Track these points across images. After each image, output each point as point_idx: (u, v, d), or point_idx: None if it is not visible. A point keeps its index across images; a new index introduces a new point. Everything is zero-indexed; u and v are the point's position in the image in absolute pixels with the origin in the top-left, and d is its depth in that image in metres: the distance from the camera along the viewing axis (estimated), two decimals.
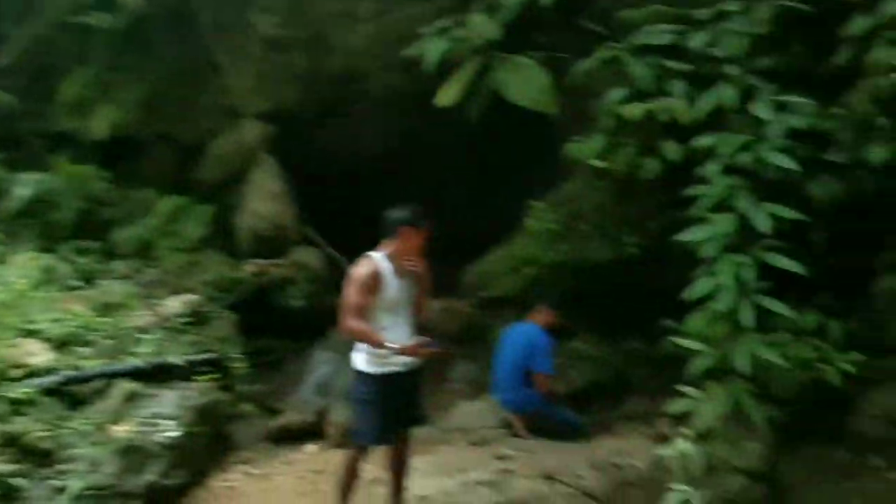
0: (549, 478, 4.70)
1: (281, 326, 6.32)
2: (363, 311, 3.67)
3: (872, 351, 5.57)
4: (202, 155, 7.14)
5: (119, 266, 6.05)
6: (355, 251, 6.74)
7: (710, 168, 4.32)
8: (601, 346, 6.41)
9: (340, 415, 5.54)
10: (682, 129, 5.89)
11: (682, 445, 3.25)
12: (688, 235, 4.09)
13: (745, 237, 4.03)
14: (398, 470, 4.13)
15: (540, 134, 8.57)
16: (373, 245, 6.39)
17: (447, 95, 5.72)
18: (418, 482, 4.63)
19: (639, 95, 6.07)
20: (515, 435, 5.37)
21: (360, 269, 3.73)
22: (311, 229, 6.62)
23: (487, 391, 6.41)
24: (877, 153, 4.93)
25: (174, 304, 5.36)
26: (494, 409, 5.65)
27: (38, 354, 4.37)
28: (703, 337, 3.59)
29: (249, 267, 6.31)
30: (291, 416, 5.35)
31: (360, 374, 3.80)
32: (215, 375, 4.90)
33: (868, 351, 5.49)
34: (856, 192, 5.14)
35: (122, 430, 4.17)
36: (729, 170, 4.60)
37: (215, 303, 5.67)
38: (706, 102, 5.35)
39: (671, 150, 5.90)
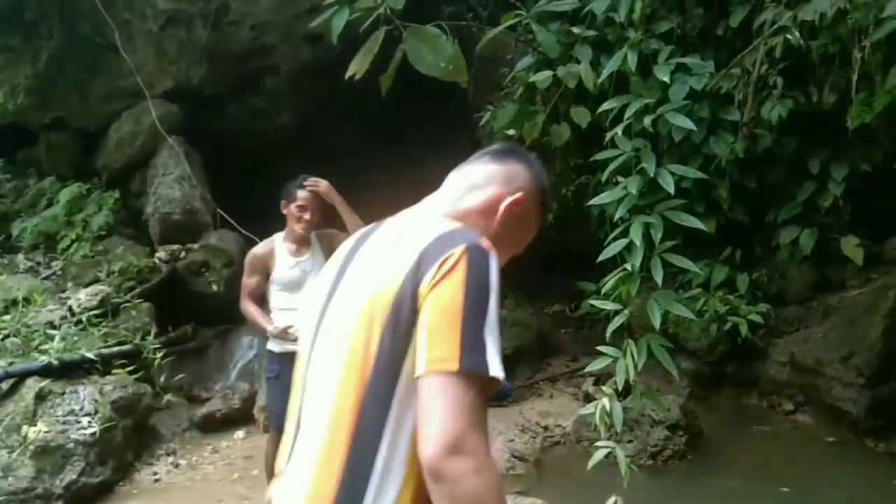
0: None
1: (198, 313, 6.15)
2: (251, 291, 3.72)
3: (776, 301, 5.90)
4: (103, 140, 6.80)
5: (21, 260, 5.72)
6: (270, 231, 6.69)
7: (616, 133, 4.43)
8: (524, 310, 6.54)
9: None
10: (589, 95, 6.03)
11: (603, 402, 3.35)
12: (598, 199, 4.19)
13: (651, 198, 4.16)
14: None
15: (451, 105, 8.61)
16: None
17: (356, 67, 5.60)
18: None
19: (547, 62, 6.17)
20: None
21: (253, 249, 3.81)
22: (220, 211, 6.42)
23: None
24: (773, 111, 5.17)
25: (83, 297, 5.13)
26: None
27: None
28: (618, 297, 3.70)
29: (161, 254, 6.08)
30: (217, 404, 5.24)
31: (268, 353, 3.83)
32: (133, 367, 4.73)
33: (772, 301, 5.82)
34: (754, 150, 5.39)
35: (36, 431, 3.98)
36: (634, 133, 4.74)
37: (127, 293, 5.44)
38: (610, 67, 5.47)
39: (580, 115, 6.02)
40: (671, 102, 5.18)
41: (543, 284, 6.87)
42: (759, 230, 6.07)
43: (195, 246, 6.28)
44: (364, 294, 1.23)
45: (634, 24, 5.18)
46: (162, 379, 5.01)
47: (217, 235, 6.41)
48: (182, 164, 6.56)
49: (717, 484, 4.44)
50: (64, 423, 4.14)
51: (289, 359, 3.60)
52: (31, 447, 3.93)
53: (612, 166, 4.09)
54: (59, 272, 5.63)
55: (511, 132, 6.47)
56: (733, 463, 4.73)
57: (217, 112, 7.33)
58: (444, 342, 1.12)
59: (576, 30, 5.94)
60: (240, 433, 5.11)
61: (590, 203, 4.36)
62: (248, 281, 3.74)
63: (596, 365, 3.65)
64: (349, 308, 1.25)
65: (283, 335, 3.56)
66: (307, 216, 3.71)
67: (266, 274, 3.73)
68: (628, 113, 4.66)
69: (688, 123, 4.69)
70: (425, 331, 1.15)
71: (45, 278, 5.52)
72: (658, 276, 3.67)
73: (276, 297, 3.74)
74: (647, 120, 4.71)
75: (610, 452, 3.29)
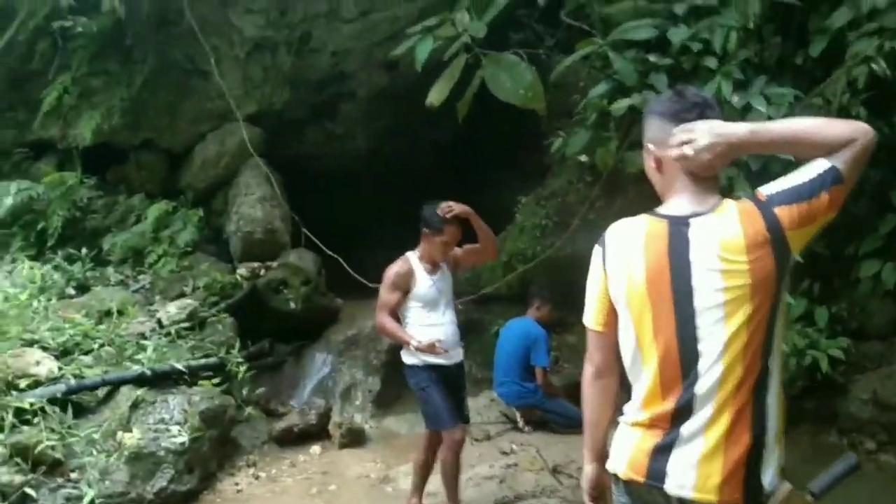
0: (555, 471, 4.78)
1: (276, 329, 6.32)
2: (392, 309, 3.80)
3: (857, 336, 5.74)
4: (189, 160, 7.10)
5: (111, 273, 5.99)
6: (347, 249, 6.84)
7: None
8: None
9: (343, 415, 5.59)
10: None
11: None
12: None
13: None
14: (429, 463, 4.15)
15: (522, 130, 8.69)
16: (361, 243, 6.43)
17: (436, 95, 5.74)
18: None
19: (621, 89, 6.20)
20: (517, 429, 5.44)
21: (392, 268, 3.85)
22: (305, 230, 6.62)
23: (486, 387, 6.49)
24: None
25: (172, 310, 5.33)
26: (496, 403, 5.72)
27: (42, 364, 4.32)
28: None
29: (242, 270, 6.29)
30: (294, 419, 5.35)
31: (407, 367, 3.91)
32: (218, 379, 4.89)
33: (852, 336, 5.67)
34: None
35: (130, 438, 4.15)
36: None
37: (211, 307, 5.63)
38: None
39: None
40: None
41: None
42: (838, 263, 5.94)
43: (274, 264, 6.47)
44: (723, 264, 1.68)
45: (728, 53, 5.16)
46: (244, 392, 5.16)
47: (296, 254, 6.59)
48: (264, 184, 6.79)
49: None
50: (155, 430, 4.30)
51: (434, 368, 3.78)
52: (126, 453, 4.09)
53: None
54: (148, 286, 5.87)
55: (583, 158, 6.52)
56: None
57: (295, 135, 7.58)
58: None
59: (651, 58, 5.96)
60: (316, 448, 5.21)
61: None
62: (389, 297, 3.81)
63: None
64: (717, 273, 1.70)
65: (431, 350, 3.65)
66: (451, 250, 3.89)
67: (406, 291, 3.82)
68: None
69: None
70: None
71: (134, 291, 5.75)
72: None
73: (414, 313, 3.85)
74: None
75: None
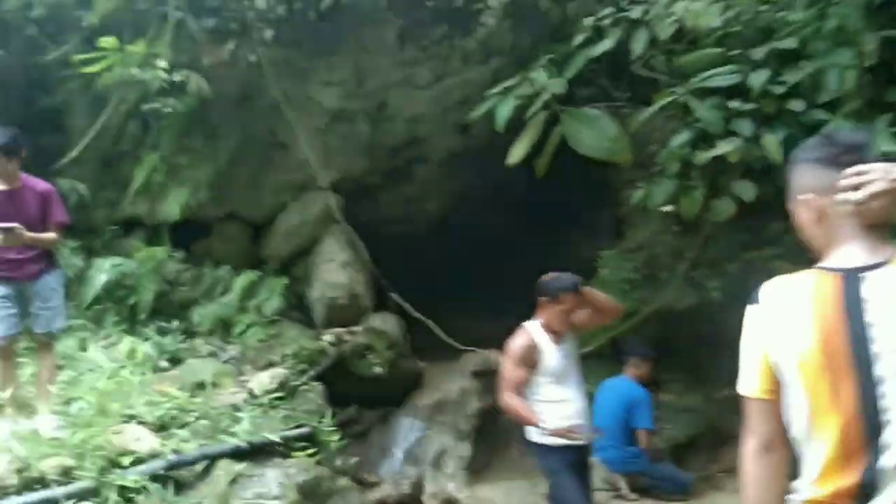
0: None
1: (361, 395, 6.26)
2: (519, 386, 3.59)
3: None
4: (271, 230, 7.22)
5: (201, 344, 6.05)
6: (425, 311, 6.78)
7: None
8: (691, 397, 6.23)
9: (435, 484, 5.43)
10: (752, 170, 5.84)
11: None
12: None
13: None
14: None
15: (592, 186, 8.60)
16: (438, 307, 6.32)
17: (518, 152, 5.73)
18: None
19: (703, 138, 6.05)
20: (621, 496, 5.18)
21: (516, 342, 3.66)
22: (394, 293, 6.61)
23: None
24: None
25: (263, 379, 5.33)
26: (597, 470, 5.46)
27: (142, 439, 4.33)
28: None
29: (327, 337, 6.28)
30: (387, 489, 5.24)
31: (534, 446, 3.66)
32: (312, 450, 4.81)
33: None
34: None
35: None
36: None
37: (299, 375, 5.61)
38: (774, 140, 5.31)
39: (745, 189, 5.84)
40: None
41: (711, 367, 6.52)
42: None
43: (358, 329, 6.44)
44: None
45: (849, 93, 5.00)
46: (337, 462, 5.06)
47: (379, 318, 6.57)
48: (346, 250, 6.84)
49: None
50: None
51: (566, 450, 3.52)
52: None
53: None
54: (238, 356, 5.90)
55: (668, 208, 6.35)
56: None
57: (371, 200, 7.65)
58: None
59: (733, 104, 5.82)
60: None
61: None
62: (516, 374, 3.61)
63: None
64: None
65: (567, 435, 3.44)
66: (572, 319, 3.73)
67: (532, 366, 3.63)
68: None
69: None
70: None
71: (224, 362, 5.79)
72: None
73: (542, 389, 3.65)
74: None
75: None
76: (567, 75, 5.82)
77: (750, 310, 1.75)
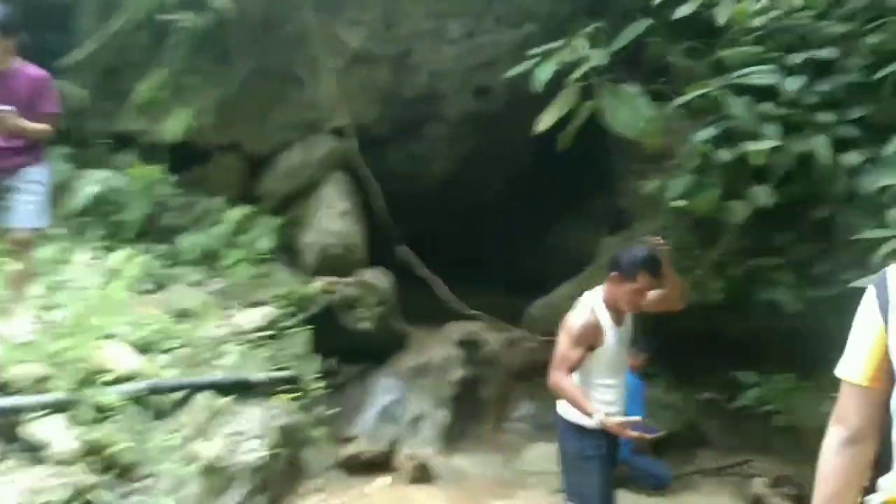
0: None
1: (344, 348, 6.08)
2: (574, 367, 3.26)
3: None
4: (272, 166, 6.96)
5: (187, 272, 5.81)
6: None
7: None
8: (676, 394, 6.18)
9: (411, 447, 5.30)
10: (771, 175, 5.75)
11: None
12: None
13: None
14: None
15: (600, 170, 8.48)
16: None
17: (547, 120, 5.54)
18: None
19: (727, 137, 5.94)
20: None
21: (578, 318, 3.33)
22: (405, 248, 6.40)
23: (551, 432, 6.15)
24: None
25: (252, 316, 5.13)
26: None
27: (122, 359, 4.12)
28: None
29: (318, 283, 6.08)
30: (363, 445, 5.09)
31: (569, 425, 3.37)
32: (295, 395, 4.65)
33: None
34: None
35: (208, 448, 3.91)
36: None
37: (288, 318, 5.42)
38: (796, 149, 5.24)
39: (762, 194, 5.74)
40: None
41: (694, 368, 6.46)
42: None
43: (350, 280, 6.26)
44: None
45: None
46: (316, 411, 4.91)
47: (372, 273, 6.39)
48: (347, 198, 6.63)
49: None
50: (232, 442, 4.05)
51: (606, 438, 3.23)
52: (200, 464, 3.84)
53: None
54: (225, 289, 5.68)
55: (681, 203, 6.24)
56: None
57: (377, 153, 7.42)
58: None
59: (763, 106, 5.70)
60: (386, 479, 4.93)
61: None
62: (574, 353, 3.23)
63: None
64: None
65: (620, 431, 3.14)
66: (643, 301, 3.35)
67: (592, 347, 3.29)
68: None
69: None
70: None
71: (210, 293, 5.56)
72: None
73: (594, 371, 3.33)
74: None
75: None
76: (613, 47, 5.63)
77: (869, 291, 1.64)
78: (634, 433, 3.12)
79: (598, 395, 3.28)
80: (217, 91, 6.72)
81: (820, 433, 5.34)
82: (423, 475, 4.97)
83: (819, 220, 5.60)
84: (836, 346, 5.44)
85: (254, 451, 4.06)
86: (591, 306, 3.35)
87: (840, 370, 1.68)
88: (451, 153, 7.92)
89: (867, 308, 1.65)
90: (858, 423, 1.65)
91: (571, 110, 5.80)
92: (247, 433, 4.17)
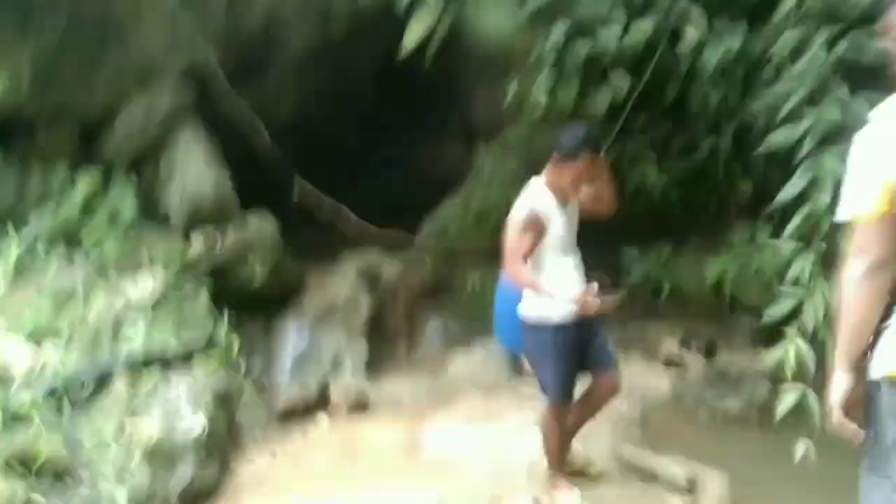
0: None
1: (240, 302, 5.73)
2: (527, 255, 3.22)
3: None
4: (112, 126, 6.25)
5: (52, 254, 5.16)
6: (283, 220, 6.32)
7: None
8: None
9: (342, 386, 5.18)
10: (618, 61, 5.99)
11: (795, 344, 3.28)
12: (775, 139, 4.04)
13: None
14: (580, 420, 3.66)
15: (444, 88, 8.46)
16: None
17: (414, 34, 5.37)
18: (457, 437, 4.42)
19: (579, 31, 6.09)
20: (523, 374, 5.26)
21: (520, 210, 3.28)
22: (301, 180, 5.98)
23: (465, 344, 6.26)
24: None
25: (142, 287, 4.68)
26: (495, 354, 5.50)
27: (20, 355, 3.62)
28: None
29: (199, 240, 5.64)
30: (294, 392, 4.89)
31: (536, 323, 3.36)
32: (216, 357, 4.34)
33: None
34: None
35: (144, 429, 3.58)
36: None
37: (179, 281, 5.01)
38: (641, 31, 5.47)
39: (620, 79, 5.98)
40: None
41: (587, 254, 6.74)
42: None
43: (229, 231, 5.85)
44: None
45: None
46: (238, 370, 4.64)
47: (255, 219, 6.02)
48: (205, 147, 6.14)
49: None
50: (168, 419, 3.74)
51: (570, 326, 3.24)
52: (141, 448, 3.51)
53: (790, 103, 3.95)
54: (100, 264, 5.11)
55: (543, 103, 6.37)
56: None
57: (217, 100, 6.89)
58: None
59: None
60: (324, 420, 4.79)
61: (765, 146, 4.22)
62: (523, 242, 3.19)
63: (778, 310, 3.57)
64: None
65: (586, 308, 3.11)
66: (586, 180, 3.30)
67: (541, 232, 3.24)
68: None
69: None
70: None
71: (85, 271, 4.99)
72: None
73: (548, 257, 3.30)
74: None
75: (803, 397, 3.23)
76: None
77: (864, 130, 1.72)
78: (594, 303, 3.10)
79: (559, 280, 3.26)
80: (28, 52, 5.87)
81: (701, 296, 5.84)
82: (360, 407, 4.89)
83: (675, 97, 5.91)
84: (701, 214, 5.89)
85: (193, 424, 3.76)
86: (532, 195, 3.33)
87: (850, 211, 1.77)
88: (297, 92, 7.53)
89: (868, 143, 1.75)
90: (879, 251, 1.74)
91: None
92: (180, 406, 3.86)
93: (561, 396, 3.43)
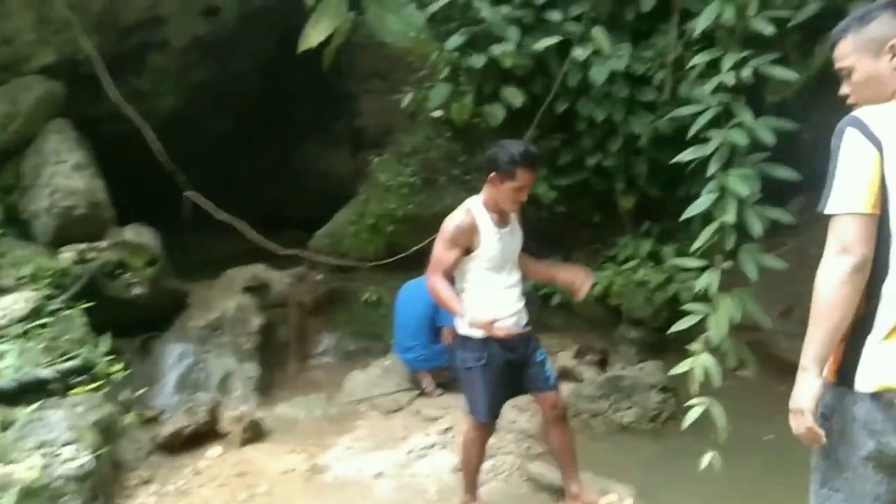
0: None
1: (117, 321, 5.28)
2: (449, 270, 3.16)
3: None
4: None
5: None
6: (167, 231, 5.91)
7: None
8: None
9: (232, 409, 4.87)
10: (513, 76, 6.10)
11: (701, 359, 3.40)
12: (687, 155, 4.16)
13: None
14: (557, 446, 3.55)
15: (330, 93, 8.30)
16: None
17: (316, 35, 5.16)
18: (360, 460, 4.27)
19: (473, 43, 6.13)
20: (425, 394, 5.18)
21: (451, 221, 3.20)
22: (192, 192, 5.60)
23: (361, 358, 6.09)
24: (691, 91, 5.36)
25: (8, 307, 4.18)
26: (393, 371, 5.38)
27: None
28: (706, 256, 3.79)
29: (68, 254, 5.15)
30: (181, 420, 4.54)
31: (462, 339, 3.28)
32: (93, 384, 3.95)
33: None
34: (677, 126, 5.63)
35: (18, 469, 3.18)
36: None
37: (50, 300, 4.54)
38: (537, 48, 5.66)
39: (513, 95, 6.07)
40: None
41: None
42: (672, 205, 6.47)
43: (103, 244, 5.39)
44: None
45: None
46: (120, 396, 4.25)
47: (131, 230, 5.58)
48: (76, 149, 5.63)
49: (713, 441, 4.65)
50: (44, 455, 3.35)
51: (495, 343, 3.16)
52: (16, 491, 3.12)
53: (700, 121, 4.08)
54: None
55: (438, 113, 6.36)
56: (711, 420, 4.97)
57: (94, 92, 6.37)
58: None
59: (504, 10, 5.95)
60: (216, 449, 4.48)
61: (675, 160, 4.27)
62: (448, 255, 3.15)
63: (684, 324, 3.68)
64: None
65: (488, 330, 3.03)
66: (524, 197, 3.20)
67: (468, 249, 3.18)
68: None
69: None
70: None
71: None
72: (757, 229, 3.80)
73: (475, 276, 3.22)
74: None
75: (708, 408, 3.34)
76: None
77: (850, 132, 1.76)
78: (501, 331, 3.05)
79: (487, 300, 3.19)
80: None
81: (589, 308, 5.93)
82: (255, 433, 4.61)
83: (561, 113, 6.04)
84: (587, 228, 6.04)
85: (73, 459, 3.40)
86: (467, 207, 3.25)
87: (839, 207, 1.76)
88: (179, 86, 7.09)
89: (857, 144, 1.76)
90: (864, 250, 1.75)
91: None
92: (57, 440, 3.47)
93: (484, 417, 3.36)
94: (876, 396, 1.77)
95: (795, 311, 5.38)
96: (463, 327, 3.24)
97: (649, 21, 5.92)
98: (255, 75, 8.09)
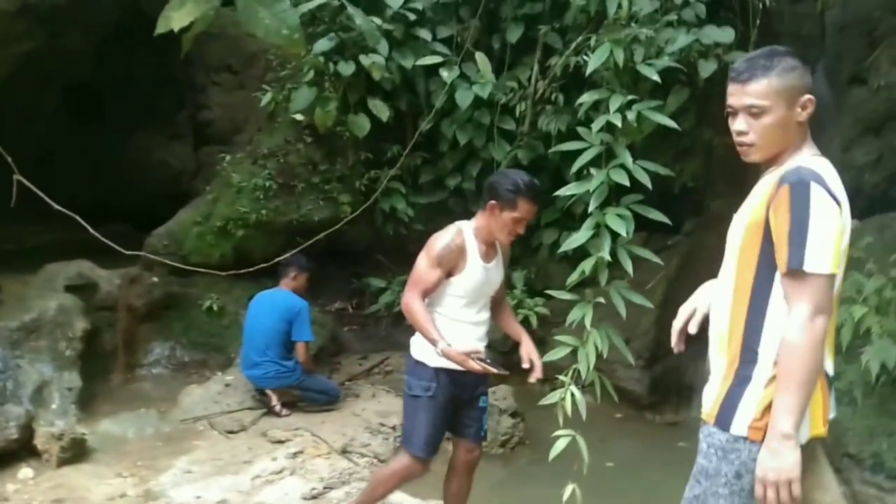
0: (344, 452, 4.42)
1: None
2: (428, 290, 2.94)
3: (545, 296, 6.53)
4: None
5: None
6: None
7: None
8: (315, 308, 6.18)
9: (48, 425, 4.30)
10: (380, 89, 6.05)
11: (569, 391, 3.44)
12: (568, 190, 4.22)
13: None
14: (454, 493, 3.31)
15: (173, 82, 7.81)
16: None
17: (181, 17, 4.69)
18: (199, 486, 3.92)
19: (340, 50, 5.99)
20: (272, 413, 4.87)
21: (442, 238, 2.97)
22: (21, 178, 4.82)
23: (196, 370, 5.67)
24: (550, 124, 5.57)
25: None
26: (236, 387, 5.02)
27: None
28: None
29: None
30: None
31: (416, 363, 3.04)
32: None
33: (542, 296, 6.37)
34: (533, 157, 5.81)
35: None
36: None
37: None
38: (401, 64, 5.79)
39: (379, 108, 6.02)
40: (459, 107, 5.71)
41: (322, 281, 6.50)
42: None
43: None
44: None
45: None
46: None
47: None
48: None
49: (556, 466, 4.74)
50: None
51: (446, 375, 2.97)
52: None
53: (583, 159, 4.12)
54: None
55: (299, 118, 6.14)
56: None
57: None
58: None
59: (376, 20, 5.87)
60: (26, 471, 3.92)
61: (557, 193, 4.30)
62: (430, 275, 2.93)
63: (554, 355, 3.71)
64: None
65: (463, 363, 2.80)
66: (521, 230, 3.00)
67: (449, 272, 2.95)
68: None
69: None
70: None
71: None
72: (628, 266, 3.90)
73: (449, 302, 2.98)
74: None
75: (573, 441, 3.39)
76: None
77: (815, 188, 1.73)
78: (477, 366, 2.82)
79: (456, 332, 2.98)
80: None
81: None
82: (75, 453, 4.10)
83: (426, 132, 6.03)
84: None
85: None
86: (458, 228, 3.05)
87: (817, 266, 1.71)
88: (2, 54, 6.25)
89: (824, 203, 1.73)
90: (830, 307, 1.76)
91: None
92: None
93: (419, 451, 3.08)
94: (809, 445, 1.79)
95: (633, 341, 5.68)
96: (421, 352, 3.02)
97: (514, 52, 6.07)
98: (89, 53, 7.36)
